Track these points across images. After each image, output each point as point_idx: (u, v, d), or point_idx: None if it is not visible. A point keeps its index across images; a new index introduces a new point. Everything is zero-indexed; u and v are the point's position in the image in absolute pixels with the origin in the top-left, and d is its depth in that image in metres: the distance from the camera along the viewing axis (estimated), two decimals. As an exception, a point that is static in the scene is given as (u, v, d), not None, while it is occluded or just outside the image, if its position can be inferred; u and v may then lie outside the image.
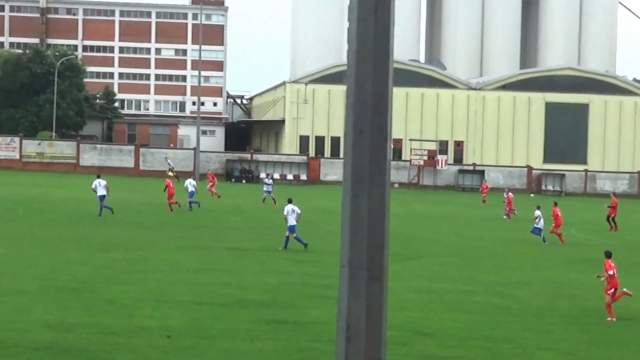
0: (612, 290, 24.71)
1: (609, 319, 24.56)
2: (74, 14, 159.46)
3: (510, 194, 62.68)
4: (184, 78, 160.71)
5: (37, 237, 37.36)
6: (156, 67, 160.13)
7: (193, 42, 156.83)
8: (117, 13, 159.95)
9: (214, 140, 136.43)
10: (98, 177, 50.38)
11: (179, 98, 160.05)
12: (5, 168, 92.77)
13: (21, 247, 34.00)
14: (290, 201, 37.63)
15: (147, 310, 23.15)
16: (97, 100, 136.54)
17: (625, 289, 25.60)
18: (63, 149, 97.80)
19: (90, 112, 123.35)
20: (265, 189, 64.11)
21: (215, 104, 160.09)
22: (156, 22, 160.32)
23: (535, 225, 45.03)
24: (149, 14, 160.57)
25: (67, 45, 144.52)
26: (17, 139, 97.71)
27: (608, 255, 25.33)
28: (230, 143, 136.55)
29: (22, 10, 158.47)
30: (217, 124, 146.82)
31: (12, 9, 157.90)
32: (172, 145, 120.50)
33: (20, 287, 25.28)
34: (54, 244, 35.53)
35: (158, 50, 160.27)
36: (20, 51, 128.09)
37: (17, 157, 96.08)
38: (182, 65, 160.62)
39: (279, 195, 59.94)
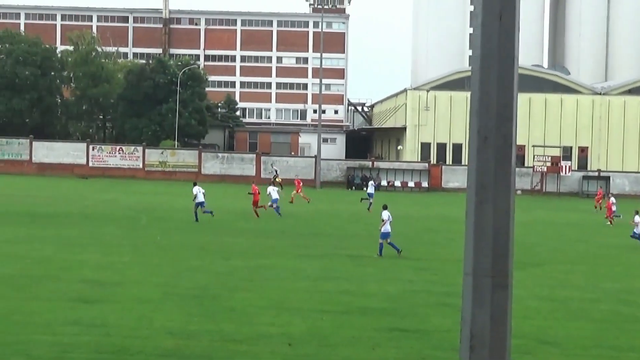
0: None
1: None
2: (196, 24, 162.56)
3: (612, 199, 61.83)
4: (305, 86, 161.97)
5: (160, 245, 38.10)
6: (277, 76, 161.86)
7: (314, 50, 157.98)
8: (238, 22, 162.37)
9: (335, 148, 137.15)
10: (195, 184, 52.75)
11: (300, 106, 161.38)
12: (129, 177, 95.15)
13: (144, 255, 34.73)
14: (385, 207, 37.75)
15: (268, 317, 23.34)
16: (219, 109, 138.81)
17: None
18: (185, 157, 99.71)
19: (211, 121, 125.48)
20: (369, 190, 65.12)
21: (336, 112, 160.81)
22: (277, 31, 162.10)
23: (635, 231, 46.00)
24: (270, 23, 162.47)
25: (190, 55, 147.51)
26: (140, 148, 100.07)
27: None
28: (351, 150, 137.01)
29: (145, 21, 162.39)
30: (338, 131, 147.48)
31: (135, 20, 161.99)
32: (293, 153, 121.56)
33: (144, 295, 25.81)
34: (176, 251, 36.16)
35: (279, 59, 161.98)
36: (144, 61, 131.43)
37: (141, 166, 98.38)
38: (303, 73, 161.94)
39: (398, 203, 59.77)
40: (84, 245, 36.38)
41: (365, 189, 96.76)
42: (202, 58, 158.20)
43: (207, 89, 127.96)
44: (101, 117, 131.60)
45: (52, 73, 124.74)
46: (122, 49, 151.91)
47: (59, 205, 57.63)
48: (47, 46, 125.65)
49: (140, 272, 30.01)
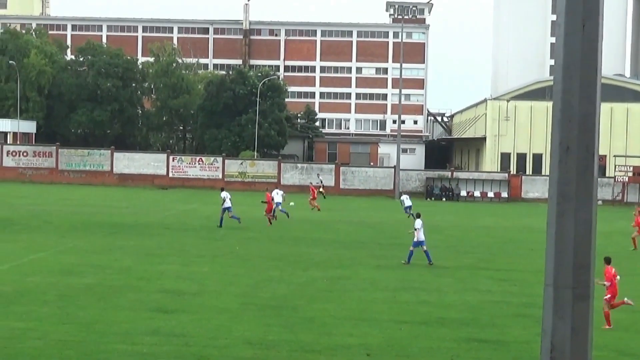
0: (609, 296, 24.44)
1: (605, 327, 23.87)
2: (276, 35, 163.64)
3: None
4: (384, 96, 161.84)
5: (239, 255, 38.38)
6: (357, 86, 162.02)
7: (394, 61, 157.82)
8: (318, 33, 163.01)
9: (414, 158, 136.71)
10: (222, 189, 54.67)
11: (379, 116, 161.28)
12: (209, 187, 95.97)
13: (223, 265, 35.03)
14: (418, 216, 38.34)
15: (346, 328, 23.36)
16: (298, 120, 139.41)
17: (626, 299, 24.98)
18: (264, 168, 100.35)
19: (291, 132, 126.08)
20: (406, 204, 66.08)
21: (415, 122, 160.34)
22: (357, 41, 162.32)
23: None
24: (350, 34, 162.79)
25: (269, 66, 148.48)
26: (219, 159, 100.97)
27: (608, 261, 24.96)
28: (430, 161, 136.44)
29: (225, 33, 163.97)
30: (417, 141, 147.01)
31: (216, 31, 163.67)
32: (372, 163, 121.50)
33: (223, 305, 26.02)
34: (254, 262, 36.39)
35: (359, 69, 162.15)
36: (224, 72, 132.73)
37: (220, 176, 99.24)
38: (382, 83, 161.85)
39: (478, 213, 59.32)
40: (164, 256, 36.83)
41: (442, 199, 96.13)
42: (281, 69, 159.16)
43: (286, 99, 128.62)
44: (181, 128, 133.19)
45: (133, 84, 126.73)
46: (203, 60, 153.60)
47: (139, 215, 58.45)
48: (129, 58, 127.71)
49: (219, 283, 30.26)
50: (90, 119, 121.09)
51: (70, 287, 28.05)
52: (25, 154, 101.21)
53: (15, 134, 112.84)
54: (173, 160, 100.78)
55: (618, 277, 25.11)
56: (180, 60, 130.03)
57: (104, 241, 41.96)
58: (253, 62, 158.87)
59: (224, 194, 52.84)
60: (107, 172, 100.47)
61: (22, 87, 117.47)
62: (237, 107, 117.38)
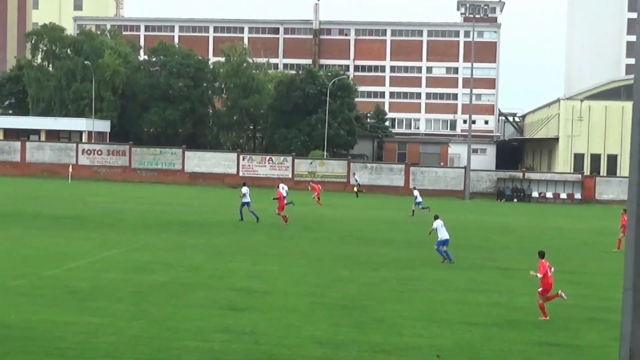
0: (541, 289, 25.26)
1: (541, 318, 24.90)
2: (346, 35, 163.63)
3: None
4: (455, 96, 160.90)
5: (308, 255, 38.43)
6: (427, 86, 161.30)
7: (464, 60, 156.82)
8: (388, 32, 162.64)
9: (485, 159, 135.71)
10: (244, 184, 55.89)
11: (449, 116, 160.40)
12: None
13: (292, 264, 35.10)
14: (436, 217, 38.73)
15: (417, 329, 23.26)
16: (368, 120, 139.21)
17: (560, 291, 25.52)
18: (334, 167, 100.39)
19: (360, 132, 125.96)
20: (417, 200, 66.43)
21: (486, 122, 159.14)
22: (427, 41, 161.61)
23: None
24: (420, 33, 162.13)
25: (339, 66, 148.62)
26: (289, 159, 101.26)
27: (541, 255, 25.72)
28: (501, 161, 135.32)
29: (296, 32, 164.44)
30: (488, 142, 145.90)
31: (286, 31, 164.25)
32: (442, 163, 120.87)
33: (292, 304, 26.08)
34: (324, 261, 36.40)
35: (429, 69, 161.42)
36: (294, 72, 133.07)
37: (290, 176, 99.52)
38: (453, 83, 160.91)
39: (550, 215, 58.57)
40: (234, 254, 37.05)
41: (514, 200, 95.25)
42: (351, 68, 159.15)
43: (356, 99, 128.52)
44: (251, 127, 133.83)
45: (204, 84, 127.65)
46: (273, 60, 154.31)
47: (209, 214, 58.89)
48: (200, 58, 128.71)
49: (289, 282, 30.34)
50: (162, 118, 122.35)
51: (143, 284, 28.38)
52: (99, 152, 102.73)
53: (90, 132, 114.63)
54: (243, 160, 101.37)
55: (552, 269, 25.59)
56: (250, 60, 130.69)
57: (175, 239, 42.36)
58: (323, 61, 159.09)
59: (244, 189, 54.22)
60: (179, 170, 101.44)
61: (97, 87, 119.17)
62: (307, 106, 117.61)
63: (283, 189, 60.94)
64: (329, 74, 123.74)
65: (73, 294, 26.07)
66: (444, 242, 37.54)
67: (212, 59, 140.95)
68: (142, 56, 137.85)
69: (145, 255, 35.83)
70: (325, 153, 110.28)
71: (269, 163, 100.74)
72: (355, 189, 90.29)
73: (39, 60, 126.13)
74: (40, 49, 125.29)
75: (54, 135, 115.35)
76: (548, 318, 25.06)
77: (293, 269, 33.48)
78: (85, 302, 24.86)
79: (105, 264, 32.86)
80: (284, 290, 28.57)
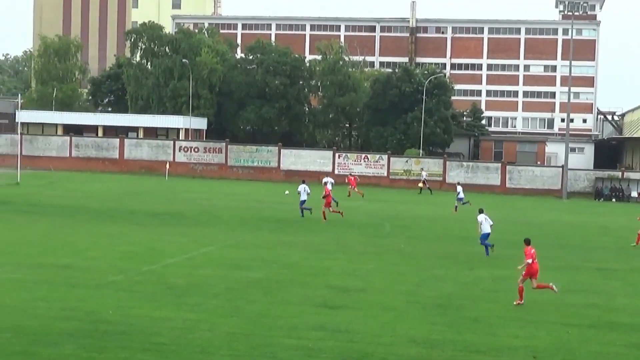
0: (525, 275, 26.50)
1: (516, 302, 26.16)
2: (442, 33, 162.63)
3: None
4: (552, 94, 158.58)
5: (404, 253, 38.32)
6: (524, 84, 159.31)
7: (563, 58, 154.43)
8: (485, 30, 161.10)
9: (583, 158, 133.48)
10: (303, 182, 56.19)
11: (547, 115, 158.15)
12: (374, 185, 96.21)
13: (388, 262, 35.05)
14: (481, 211, 39.34)
15: (512, 329, 23.01)
16: (464, 118, 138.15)
17: (552, 284, 26.75)
18: (430, 166, 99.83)
19: (457, 130, 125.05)
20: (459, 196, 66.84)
21: (584, 121, 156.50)
22: (525, 39, 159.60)
23: None
24: (518, 30, 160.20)
25: (435, 64, 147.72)
26: (385, 157, 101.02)
27: (527, 242, 27.10)
28: (600, 160, 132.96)
29: (392, 30, 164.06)
30: (586, 141, 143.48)
31: (382, 29, 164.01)
32: (539, 162, 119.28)
33: (387, 302, 26.04)
34: (420, 260, 36.27)
35: (526, 67, 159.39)
36: (390, 70, 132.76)
37: (385, 174, 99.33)
38: (551, 81, 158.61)
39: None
40: (330, 252, 37.13)
41: (612, 200, 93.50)
42: (448, 66, 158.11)
43: (452, 97, 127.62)
44: (347, 125, 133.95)
45: (301, 82, 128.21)
46: (369, 58, 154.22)
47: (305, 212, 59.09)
48: (296, 56, 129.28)
49: (384, 280, 30.30)
50: (258, 116, 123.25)
51: (239, 281, 28.64)
52: (196, 149, 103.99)
53: (187, 130, 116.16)
54: (339, 157, 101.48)
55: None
56: (347, 58, 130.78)
57: (271, 236, 42.65)
58: (419, 59, 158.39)
59: (301, 187, 54.84)
60: (274, 168, 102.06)
61: (194, 85, 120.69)
62: (403, 105, 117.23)
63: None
64: (426, 72, 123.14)
65: (170, 290, 26.45)
66: (486, 237, 38.43)
67: (309, 57, 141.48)
68: (239, 54, 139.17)
69: (241, 252, 36.14)
70: (421, 151, 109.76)
71: (364, 161, 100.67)
72: (421, 184, 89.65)
73: (138, 59, 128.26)
74: (139, 47, 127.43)
75: (151, 133, 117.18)
76: (523, 303, 26.14)
77: (389, 267, 33.43)
78: (182, 298, 25.20)
79: (201, 260, 33.25)
80: (379, 288, 28.54)
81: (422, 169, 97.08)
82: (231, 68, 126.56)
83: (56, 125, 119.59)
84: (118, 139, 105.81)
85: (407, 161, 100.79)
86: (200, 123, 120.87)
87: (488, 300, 27.14)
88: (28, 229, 41.70)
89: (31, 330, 20.80)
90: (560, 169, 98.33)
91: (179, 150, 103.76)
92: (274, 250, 37.14)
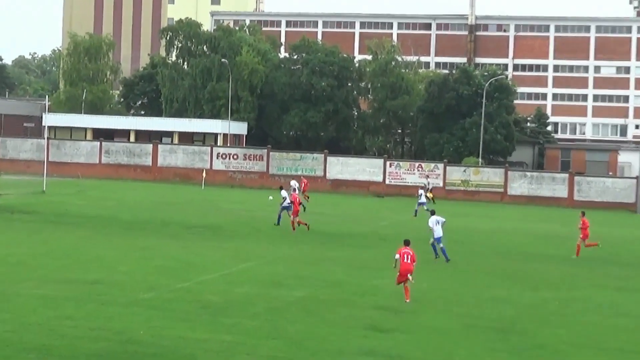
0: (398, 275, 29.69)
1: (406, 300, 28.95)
2: (504, 31, 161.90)
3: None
4: (625, 98, 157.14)
5: (461, 271, 37.99)
6: (594, 87, 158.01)
7: (637, 59, 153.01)
8: (551, 28, 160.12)
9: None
10: (281, 188, 57.88)
11: (619, 121, 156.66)
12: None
13: (443, 281, 34.77)
14: (433, 213, 42.59)
15: (582, 357, 22.67)
16: (528, 124, 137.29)
17: (410, 277, 29.36)
18: (490, 176, 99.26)
19: (519, 137, 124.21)
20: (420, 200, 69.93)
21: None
22: (596, 37, 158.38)
23: None
24: (587, 29, 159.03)
25: (497, 64, 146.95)
26: (440, 165, 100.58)
27: (406, 243, 30.82)
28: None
29: (449, 28, 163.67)
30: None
31: (438, 27, 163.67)
32: (610, 173, 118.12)
33: (442, 325, 25.77)
34: (478, 279, 35.95)
35: (597, 68, 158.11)
36: (447, 72, 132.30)
37: (441, 184, 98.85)
38: (624, 84, 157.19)
39: None
40: (379, 269, 36.90)
41: None
42: (510, 68, 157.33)
43: (515, 101, 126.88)
44: (399, 131, 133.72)
45: (349, 84, 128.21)
46: (424, 58, 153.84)
47: (352, 225, 58.97)
48: (345, 55, 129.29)
49: (439, 300, 30.05)
50: (303, 120, 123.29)
51: (279, 300, 28.53)
52: (235, 156, 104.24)
53: (225, 135, 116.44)
54: (390, 166, 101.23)
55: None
56: (399, 58, 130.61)
57: (314, 251, 42.54)
58: (479, 60, 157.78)
59: (284, 192, 55.62)
60: (320, 177, 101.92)
61: (234, 86, 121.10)
62: (461, 109, 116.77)
63: (294, 187, 60.72)
64: (486, 73, 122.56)
65: (205, 309, 26.39)
66: (438, 240, 41.20)
67: (358, 56, 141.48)
68: (283, 53, 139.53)
69: (282, 268, 36.06)
70: (480, 160, 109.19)
71: (418, 170, 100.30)
72: (428, 194, 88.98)
73: (174, 58, 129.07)
74: (175, 46, 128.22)
75: (187, 138, 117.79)
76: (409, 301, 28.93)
77: (444, 287, 33.16)
78: (218, 318, 25.13)
79: (239, 276, 33.22)
80: (434, 309, 28.31)
81: (427, 175, 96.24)
82: (274, 68, 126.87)
83: (85, 129, 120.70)
84: (151, 145, 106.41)
85: (464, 170, 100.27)
86: (240, 128, 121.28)
87: (554, 324, 26.77)
88: (54, 241, 41.97)
89: (57, 351, 20.83)
90: (635, 180, 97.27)
91: (217, 157, 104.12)
92: (318, 266, 37.02)
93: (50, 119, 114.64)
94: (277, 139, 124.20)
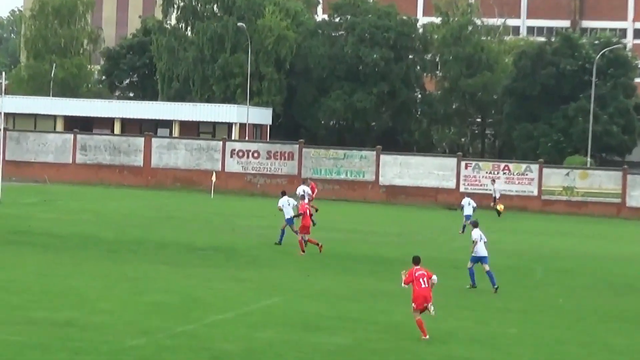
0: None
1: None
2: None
3: None
4: None
5: (564, 311, 37.91)
6: None
7: None
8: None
9: None
10: (284, 193, 57.07)
11: None
12: (518, 208, 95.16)
13: (539, 325, 34.71)
14: (476, 225, 43.87)
15: None
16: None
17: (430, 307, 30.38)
18: (601, 181, 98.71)
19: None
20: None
21: None
22: None
23: None
24: None
25: (611, 30, 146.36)
26: (534, 167, 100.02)
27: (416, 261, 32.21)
28: None
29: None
30: None
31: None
32: None
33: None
34: (587, 322, 35.88)
35: None
36: (543, 39, 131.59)
37: (535, 192, 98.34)
38: None
39: None
40: (450, 308, 36.82)
41: None
42: (629, 34, 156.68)
43: (637, 79, 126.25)
44: (478, 119, 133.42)
45: (410, 56, 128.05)
46: (511, 22, 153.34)
47: (413, 247, 58.62)
48: (404, 18, 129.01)
49: (535, 351, 30.05)
50: (347, 105, 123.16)
51: (316, 348, 28.58)
52: (255, 154, 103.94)
53: (242, 125, 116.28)
54: (466, 168, 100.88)
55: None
56: (478, 22, 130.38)
57: (363, 282, 42.56)
58: (586, 24, 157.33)
59: (284, 200, 55.56)
60: (370, 182, 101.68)
61: (254, 60, 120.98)
62: (562, 90, 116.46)
63: (305, 196, 60.87)
64: (596, 42, 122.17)
65: (216, 360, 26.49)
66: (481, 260, 42.87)
67: (422, 19, 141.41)
68: (321, 15, 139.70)
69: (319, 305, 36.09)
70: (588, 159, 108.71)
71: (503, 173, 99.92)
72: (494, 204, 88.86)
73: (173, 22, 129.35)
74: (174, 6, 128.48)
75: (191, 129, 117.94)
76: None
77: (540, 333, 33.11)
78: (233, 373, 25.20)
79: (261, 317, 33.27)
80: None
81: (493, 180, 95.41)
82: (309, 35, 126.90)
83: (54, 117, 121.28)
84: (143, 138, 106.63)
85: (567, 174, 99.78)
86: (263, 116, 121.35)
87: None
88: (13, 267, 42.14)
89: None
90: None
91: (231, 156, 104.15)
92: (368, 303, 37.05)
93: (8, 103, 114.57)
94: (312, 131, 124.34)
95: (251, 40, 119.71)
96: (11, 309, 32.51)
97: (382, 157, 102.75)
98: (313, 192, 74.25)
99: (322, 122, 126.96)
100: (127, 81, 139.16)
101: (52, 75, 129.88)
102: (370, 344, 29.77)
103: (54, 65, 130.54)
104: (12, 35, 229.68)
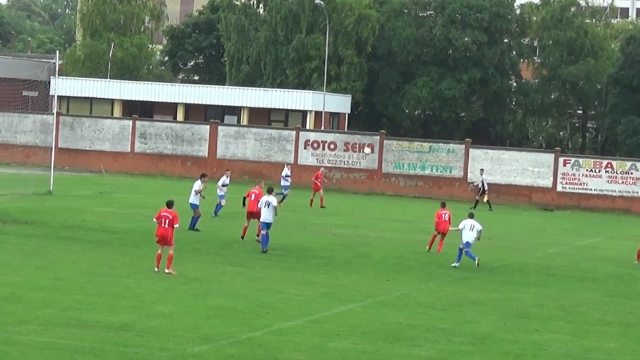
0: None
1: None
2: None
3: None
4: None
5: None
6: None
7: None
8: None
9: None
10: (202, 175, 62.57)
11: None
12: (623, 210, 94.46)
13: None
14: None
15: None
16: None
17: None
18: None
19: None
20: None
21: None
22: None
23: None
24: None
25: None
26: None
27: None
28: None
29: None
30: None
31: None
32: None
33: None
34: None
35: None
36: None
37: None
38: None
39: None
40: (544, 319, 36.84)
41: None
42: None
43: None
44: (579, 111, 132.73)
45: (506, 40, 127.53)
46: (620, 3, 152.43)
47: (505, 251, 58.74)
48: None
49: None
50: (435, 94, 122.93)
51: (403, 362, 28.73)
52: (332, 146, 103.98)
53: (318, 114, 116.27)
54: (564, 165, 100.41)
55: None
56: (582, 3, 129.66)
57: (448, 289, 42.56)
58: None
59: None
60: (458, 179, 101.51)
61: (332, 42, 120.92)
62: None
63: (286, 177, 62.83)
64: None
65: (285, 372, 26.64)
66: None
67: (520, 0, 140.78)
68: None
69: (400, 313, 36.16)
70: None
71: (606, 171, 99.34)
72: (480, 196, 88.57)
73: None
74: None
75: (262, 117, 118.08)
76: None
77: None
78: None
79: (335, 325, 33.36)
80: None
81: (482, 170, 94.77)
82: (393, 16, 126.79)
83: (112, 101, 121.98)
84: (208, 126, 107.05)
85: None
86: (341, 103, 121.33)
87: None
88: (65, 265, 42.52)
89: None
90: None
91: (305, 147, 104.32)
92: (453, 312, 37.04)
93: (62, 86, 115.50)
94: (395, 121, 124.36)
95: (329, 20, 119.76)
96: (62, 310, 32.83)
97: (472, 151, 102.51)
98: (319, 180, 76.85)
99: (406, 111, 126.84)
100: (192, 63, 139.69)
101: (110, 55, 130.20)
102: (454, 356, 29.82)
103: (112, 44, 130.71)
104: (67, 10, 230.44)
